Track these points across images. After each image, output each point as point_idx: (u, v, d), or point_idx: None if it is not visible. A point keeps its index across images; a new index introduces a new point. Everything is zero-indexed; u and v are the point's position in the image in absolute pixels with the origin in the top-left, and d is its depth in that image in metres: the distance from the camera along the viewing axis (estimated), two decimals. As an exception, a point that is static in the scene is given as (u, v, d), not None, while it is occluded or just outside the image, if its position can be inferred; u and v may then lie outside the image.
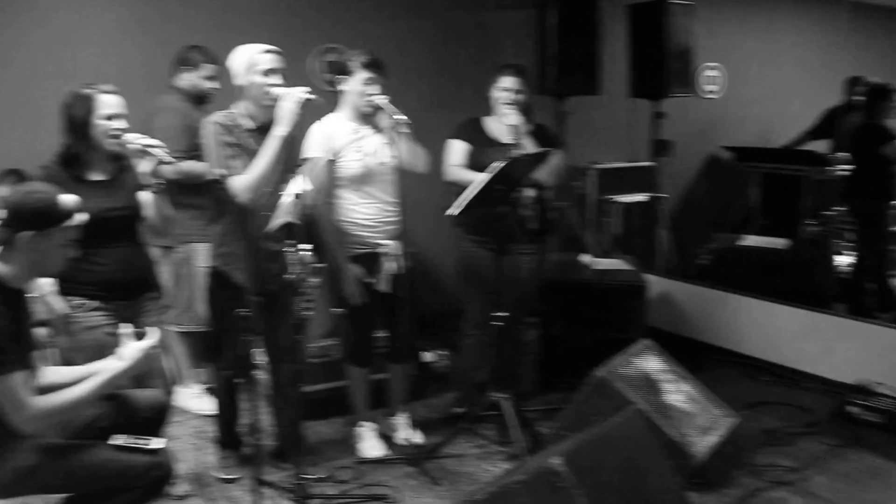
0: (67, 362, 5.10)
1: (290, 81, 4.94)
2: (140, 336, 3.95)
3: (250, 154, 4.87)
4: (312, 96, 4.78)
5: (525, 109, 5.87)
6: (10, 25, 6.67)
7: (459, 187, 5.75)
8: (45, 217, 3.63)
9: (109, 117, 4.40)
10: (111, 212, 4.46)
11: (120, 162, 4.59)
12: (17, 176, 6.03)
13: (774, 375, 7.13)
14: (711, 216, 10.00)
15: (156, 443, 3.85)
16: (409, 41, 8.37)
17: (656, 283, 7.99)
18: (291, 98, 4.76)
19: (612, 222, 9.03)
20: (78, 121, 4.39)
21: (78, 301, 4.50)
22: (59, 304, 4.50)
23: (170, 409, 4.34)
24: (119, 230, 4.55)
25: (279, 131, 4.77)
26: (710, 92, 10.30)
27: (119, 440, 3.82)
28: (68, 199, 3.71)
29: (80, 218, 3.76)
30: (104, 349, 4.35)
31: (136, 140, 4.43)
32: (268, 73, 4.86)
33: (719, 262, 8.36)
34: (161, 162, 4.48)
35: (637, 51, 8.52)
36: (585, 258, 7.24)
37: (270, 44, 4.94)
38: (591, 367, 5.24)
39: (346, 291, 5.40)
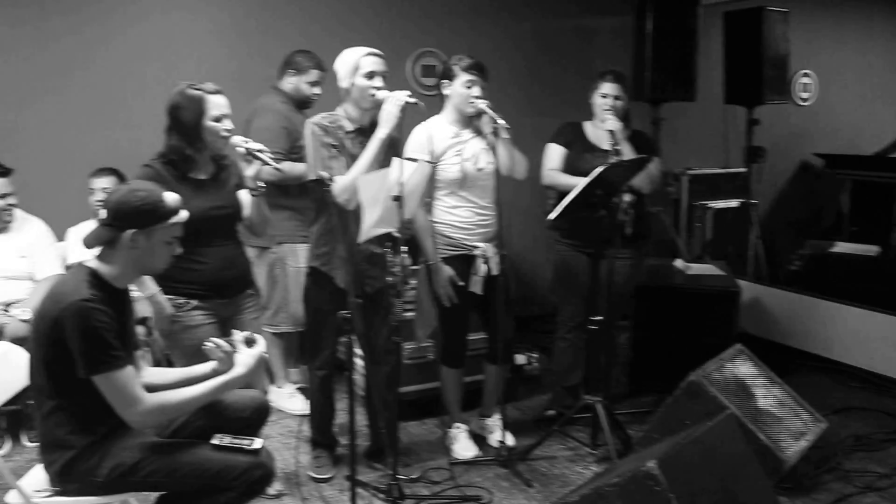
0: (168, 361, 5.26)
1: (389, 85, 5.02)
2: (250, 342, 3.98)
3: (350, 156, 4.96)
4: (413, 100, 4.85)
5: (623, 116, 5.89)
6: (107, 24, 6.82)
7: (557, 191, 5.83)
8: (149, 215, 3.64)
9: (218, 119, 4.46)
10: (215, 210, 4.55)
11: (219, 161, 4.68)
12: (113, 174, 6.22)
13: (864, 381, 7.11)
14: (803, 222, 9.95)
15: (256, 443, 3.87)
16: (506, 46, 8.44)
17: (748, 288, 7.97)
18: (393, 101, 4.85)
19: (705, 228, 9.03)
20: (189, 123, 4.42)
21: (180, 300, 4.55)
22: (166, 304, 4.56)
23: (269, 410, 4.35)
24: (222, 229, 4.64)
25: (380, 134, 4.86)
26: (804, 99, 10.26)
27: (221, 440, 3.84)
28: (172, 196, 3.76)
29: (183, 216, 3.79)
30: (203, 350, 4.47)
31: (242, 144, 4.53)
32: (370, 76, 4.94)
33: (810, 267, 8.33)
34: (265, 164, 4.56)
35: (732, 57, 8.48)
36: (678, 263, 7.25)
37: (370, 47, 5.03)
38: (682, 372, 5.23)
39: (438, 293, 5.45)
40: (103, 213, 3.67)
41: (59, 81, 6.72)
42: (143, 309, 5.93)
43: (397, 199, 4.59)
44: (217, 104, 4.45)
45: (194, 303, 4.56)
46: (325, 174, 4.67)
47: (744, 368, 5.41)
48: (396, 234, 4.84)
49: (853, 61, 10.56)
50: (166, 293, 4.54)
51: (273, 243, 6.20)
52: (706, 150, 9.33)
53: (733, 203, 8.96)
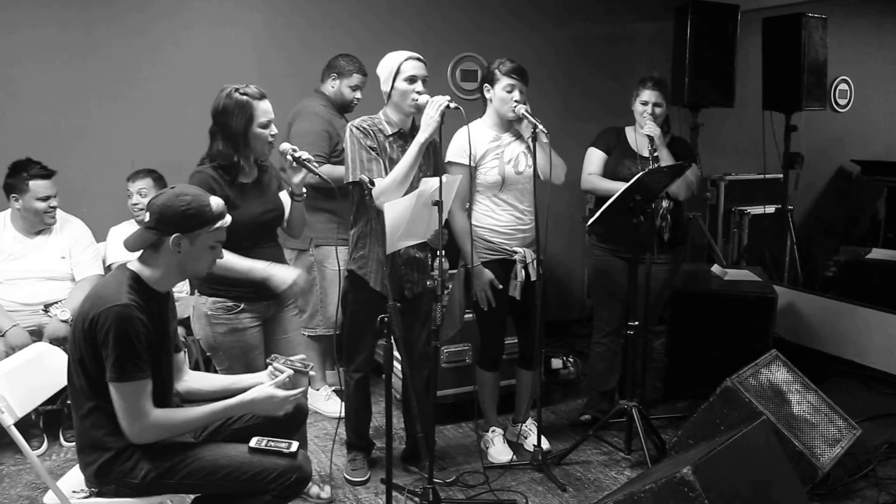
0: (205, 363, 5.29)
1: (430, 89, 5.04)
2: (302, 373, 4.01)
3: (390, 159, 5.01)
4: (454, 105, 4.85)
5: (663, 121, 5.94)
6: (151, 29, 6.90)
7: (596, 196, 5.86)
8: (194, 219, 3.65)
9: (265, 125, 4.44)
10: (266, 214, 4.60)
11: (260, 164, 4.68)
12: (150, 175, 6.32)
13: (899, 388, 7.07)
14: (839, 228, 9.93)
15: (293, 446, 3.87)
16: (546, 51, 8.48)
17: (783, 294, 7.96)
18: (434, 105, 4.85)
19: (741, 233, 9.03)
20: (237, 129, 4.38)
21: (230, 303, 4.57)
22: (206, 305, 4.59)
23: (307, 413, 4.39)
24: (268, 232, 4.68)
25: (421, 138, 4.87)
26: (841, 105, 10.24)
27: (258, 442, 3.85)
28: (217, 201, 3.77)
29: (227, 220, 3.81)
30: (249, 351, 4.61)
31: (291, 152, 4.54)
32: (411, 80, 4.97)
33: (846, 274, 8.32)
34: (311, 173, 4.60)
35: (771, 63, 8.46)
36: (715, 268, 7.25)
37: (412, 50, 5.05)
38: (717, 377, 5.25)
39: (477, 296, 5.46)
40: (146, 216, 3.70)
41: (102, 86, 6.81)
42: (181, 310, 6.04)
43: (436, 203, 4.62)
44: (264, 110, 4.43)
45: (242, 305, 4.58)
46: (364, 177, 4.68)
47: (779, 374, 5.43)
48: (435, 244, 4.90)
49: (891, 68, 10.50)
50: (214, 296, 4.57)
51: (311, 246, 6.24)
52: (744, 155, 9.31)
53: (770, 209, 8.98)
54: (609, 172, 5.98)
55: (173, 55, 6.98)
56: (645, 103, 5.89)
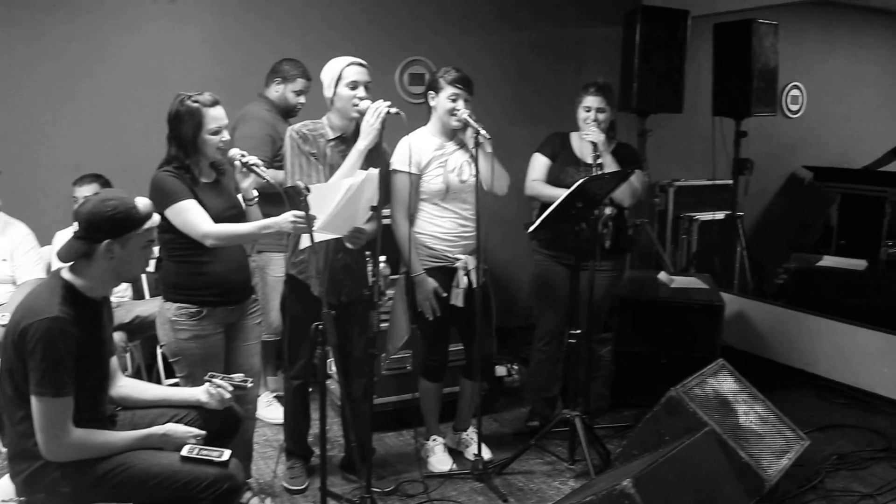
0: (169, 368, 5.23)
1: (376, 94, 4.98)
2: (241, 383, 4.07)
3: (330, 165, 4.95)
4: (395, 110, 4.83)
5: (609, 128, 5.90)
6: (99, 31, 6.82)
7: (540, 202, 5.79)
8: (122, 223, 3.64)
9: (216, 132, 4.45)
10: (228, 211, 4.56)
11: (218, 167, 4.68)
12: (97, 180, 6.19)
13: (849, 398, 7.05)
14: (790, 235, 9.93)
15: (225, 454, 3.83)
16: (497, 55, 8.45)
17: (732, 302, 7.95)
18: (374, 111, 4.82)
19: (690, 240, 9.01)
20: (187, 135, 4.41)
21: (193, 308, 4.53)
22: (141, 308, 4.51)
23: (240, 420, 4.35)
24: None
25: (361, 144, 4.84)
26: (793, 111, 10.24)
27: (190, 451, 3.80)
28: (143, 202, 3.74)
29: (156, 220, 3.82)
30: (210, 357, 4.56)
31: (239, 157, 4.53)
32: (353, 85, 4.92)
33: (797, 281, 8.26)
34: (259, 178, 4.57)
35: (721, 69, 8.47)
36: (662, 276, 7.19)
37: (357, 56, 4.99)
38: (664, 386, 5.17)
39: (420, 304, 5.39)
40: (75, 226, 3.67)
41: (48, 87, 6.74)
42: (122, 315, 5.95)
43: (374, 209, 4.66)
44: (214, 117, 4.44)
45: (206, 311, 4.55)
46: (299, 182, 4.57)
47: (726, 384, 5.37)
48: (352, 244, 4.94)
49: (843, 74, 10.56)
50: (176, 301, 4.54)
51: (253, 251, 6.14)
52: (693, 161, 9.31)
53: (720, 215, 8.97)
54: (552, 179, 5.93)
55: (121, 59, 6.91)
56: (588, 109, 5.85)
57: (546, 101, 6.97)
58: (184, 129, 4.41)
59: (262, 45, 7.17)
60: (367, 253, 5.08)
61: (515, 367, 7.22)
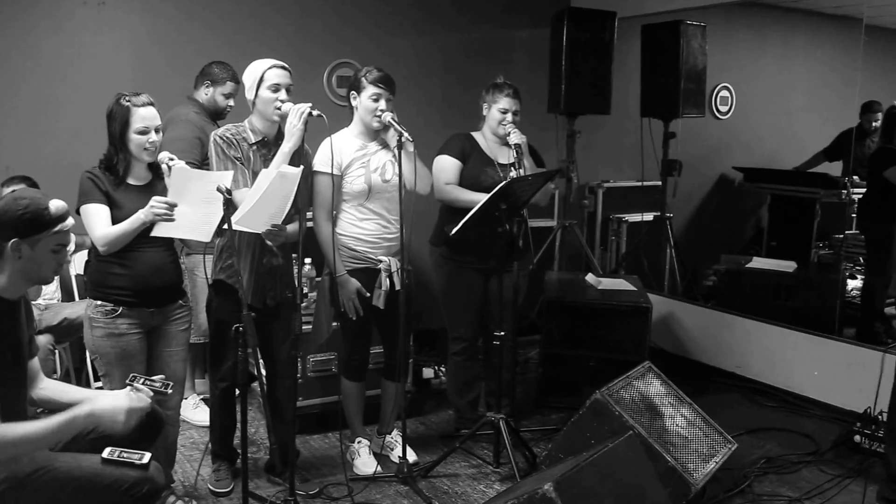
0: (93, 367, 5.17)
1: (303, 96, 4.97)
2: (161, 388, 3.97)
3: (253, 170, 4.92)
4: (317, 112, 4.82)
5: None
6: (30, 32, 6.75)
7: (455, 206, 5.73)
8: (31, 224, 3.60)
9: (143, 131, 4.48)
10: None
11: (156, 170, 4.67)
12: (25, 182, 6.09)
13: (780, 401, 7.05)
14: (720, 237, 9.95)
15: (146, 457, 3.78)
16: (424, 56, 8.44)
17: (662, 304, 7.96)
18: (296, 113, 4.82)
19: (619, 241, 9.02)
20: (115, 133, 4.50)
21: (108, 306, 4.54)
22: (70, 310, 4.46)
23: (162, 423, 4.27)
24: (152, 236, 4.55)
25: (286, 146, 4.84)
26: (723, 112, 10.26)
27: (111, 453, 3.74)
28: (56, 204, 3.68)
29: (69, 223, 3.74)
30: (126, 357, 4.54)
31: (166, 160, 4.54)
32: (275, 88, 4.92)
33: (726, 283, 8.28)
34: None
35: (649, 70, 8.49)
36: (590, 277, 7.16)
37: (285, 58, 4.98)
38: (592, 388, 5.13)
39: (343, 304, 5.37)
40: None
41: None
42: (50, 318, 6.01)
43: (296, 210, 4.75)
44: (142, 116, 4.49)
45: (121, 310, 4.55)
46: (222, 185, 4.52)
47: (652, 387, 5.36)
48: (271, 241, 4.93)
49: (773, 75, 10.60)
50: (95, 298, 4.58)
51: (182, 254, 6.11)
52: (622, 163, 9.32)
53: (648, 216, 9.01)
54: (469, 182, 5.88)
55: (51, 60, 6.85)
56: (504, 111, 5.86)
57: (475, 102, 6.89)
58: (113, 126, 4.50)
59: (190, 48, 7.13)
60: (293, 255, 5.01)
61: (442, 370, 7.16)
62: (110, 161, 4.53)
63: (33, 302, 6.20)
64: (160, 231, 4.42)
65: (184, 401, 6.19)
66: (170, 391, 4.04)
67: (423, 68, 8.27)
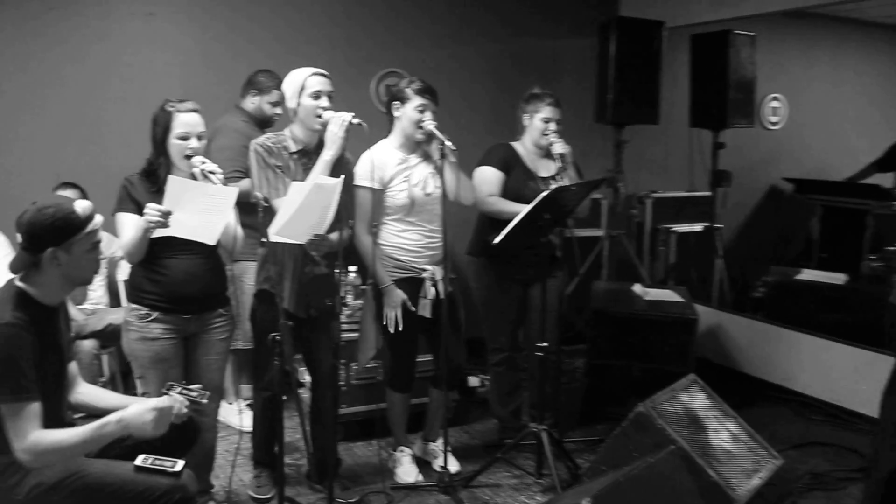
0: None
1: (352, 106, 4.96)
2: (196, 397, 3.98)
3: (294, 178, 4.90)
4: (357, 121, 4.81)
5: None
6: (80, 41, 6.87)
7: (499, 218, 5.71)
8: (62, 230, 3.64)
9: (184, 137, 4.48)
10: None
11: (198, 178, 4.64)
12: (74, 188, 6.22)
13: (827, 415, 6.95)
14: (769, 248, 9.87)
15: (178, 465, 3.80)
16: (472, 67, 8.47)
17: (710, 315, 7.89)
18: (337, 122, 4.82)
19: (668, 251, 8.95)
20: (157, 138, 4.52)
21: (143, 310, 4.56)
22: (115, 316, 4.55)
23: (198, 431, 4.32)
24: (185, 243, 4.55)
25: (327, 155, 4.84)
26: (773, 123, 10.19)
27: (144, 461, 3.77)
28: (82, 205, 3.73)
29: (98, 221, 3.78)
30: (159, 362, 4.55)
31: (199, 164, 4.50)
32: (316, 95, 4.92)
33: (775, 295, 8.20)
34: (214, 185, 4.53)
35: (698, 80, 8.43)
36: (637, 288, 7.11)
37: (333, 66, 4.99)
38: (638, 399, 5.10)
39: (388, 316, 5.35)
40: (18, 237, 3.67)
41: (27, 95, 6.82)
42: (95, 323, 6.13)
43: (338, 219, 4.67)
44: (183, 122, 4.49)
45: (155, 314, 4.55)
46: (258, 195, 4.65)
47: (697, 400, 5.30)
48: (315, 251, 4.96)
49: (824, 85, 10.53)
50: (132, 302, 4.62)
51: (230, 260, 6.07)
52: (671, 173, 9.29)
53: (697, 227, 8.95)
54: (512, 194, 5.86)
55: (100, 69, 6.97)
56: (547, 120, 5.87)
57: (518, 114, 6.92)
58: (155, 130, 4.52)
59: (238, 57, 7.18)
60: (337, 263, 5.03)
61: (488, 378, 7.11)
62: (151, 166, 4.55)
63: (80, 307, 6.28)
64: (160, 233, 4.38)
65: (229, 406, 6.39)
66: (205, 401, 4.04)
67: (469, 79, 8.30)
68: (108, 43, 6.95)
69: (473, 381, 7.05)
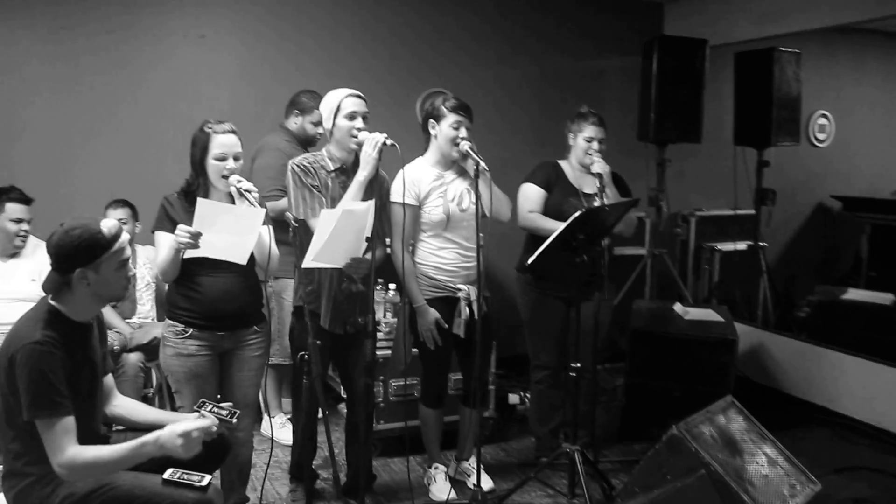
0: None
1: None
2: (227, 416, 4.00)
3: (332, 197, 4.98)
4: (390, 142, 4.84)
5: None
6: (134, 62, 7.04)
7: (537, 234, 5.71)
8: (90, 250, 3.69)
9: (221, 158, 4.56)
10: None
11: (235, 199, 4.69)
12: (126, 206, 6.36)
13: (871, 438, 6.85)
14: (817, 267, 9.78)
15: (206, 479, 3.83)
16: (513, 86, 8.48)
17: (752, 334, 7.83)
18: (371, 143, 4.85)
19: (712, 270, 8.90)
20: (195, 158, 4.62)
21: (179, 326, 4.64)
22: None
23: (229, 447, 4.33)
24: (221, 261, 4.60)
25: (362, 175, 4.88)
26: (820, 140, 10.11)
27: (172, 474, 3.80)
28: (108, 224, 3.77)
29: (125, 238, 3.82)
30: (194, 377, 4.62)
31: (235, 183, 4.56)
32: (351, 116, 4.97)
33: (820, 315, 8.12)
34: (250, 203, 4.55)
35: (742, 98, 8.38)
36: (677, 307, 7.07)
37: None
38: (676, 419, 5.01)
39: (421, 334, 5.38)
40: (49, 259, 3.73)
41: (83, 114, 6.98)
42: (141, 336, 6.19)
43: (369, 240, 4.68)
44: (220, 143, 4.58)
45: (191, 331, 4.63)
46: (289, 214, 4.72)
47: (733, 422, 5.21)
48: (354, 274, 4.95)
49: (872, 102, 10.43)
50: (169, 318, 4.71)
51: (270, 277, 6.17)
52: (715, 191, 9.20)
53: (742, 246, 8.93)
54: (552, 211, 5.89)
55: (152, 89, 7.14)
56: (590, 139, 5.90)
57: (564, 132, 6.89)
58: (194, 151, 4.62)
59: (283, 79, 7.25)
60: (379, 280, 5.03)
61: (528, 396, 7.09)
62: (190, 186, 4.64)
63: (128, 320, 6.33)
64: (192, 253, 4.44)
65: (272, 419, 6.38)
66: (235, 420, 4.05)
67: (511, 98, 8.35)
68: (161, 63, 7.10)
69: (513, 398, 7.05)
